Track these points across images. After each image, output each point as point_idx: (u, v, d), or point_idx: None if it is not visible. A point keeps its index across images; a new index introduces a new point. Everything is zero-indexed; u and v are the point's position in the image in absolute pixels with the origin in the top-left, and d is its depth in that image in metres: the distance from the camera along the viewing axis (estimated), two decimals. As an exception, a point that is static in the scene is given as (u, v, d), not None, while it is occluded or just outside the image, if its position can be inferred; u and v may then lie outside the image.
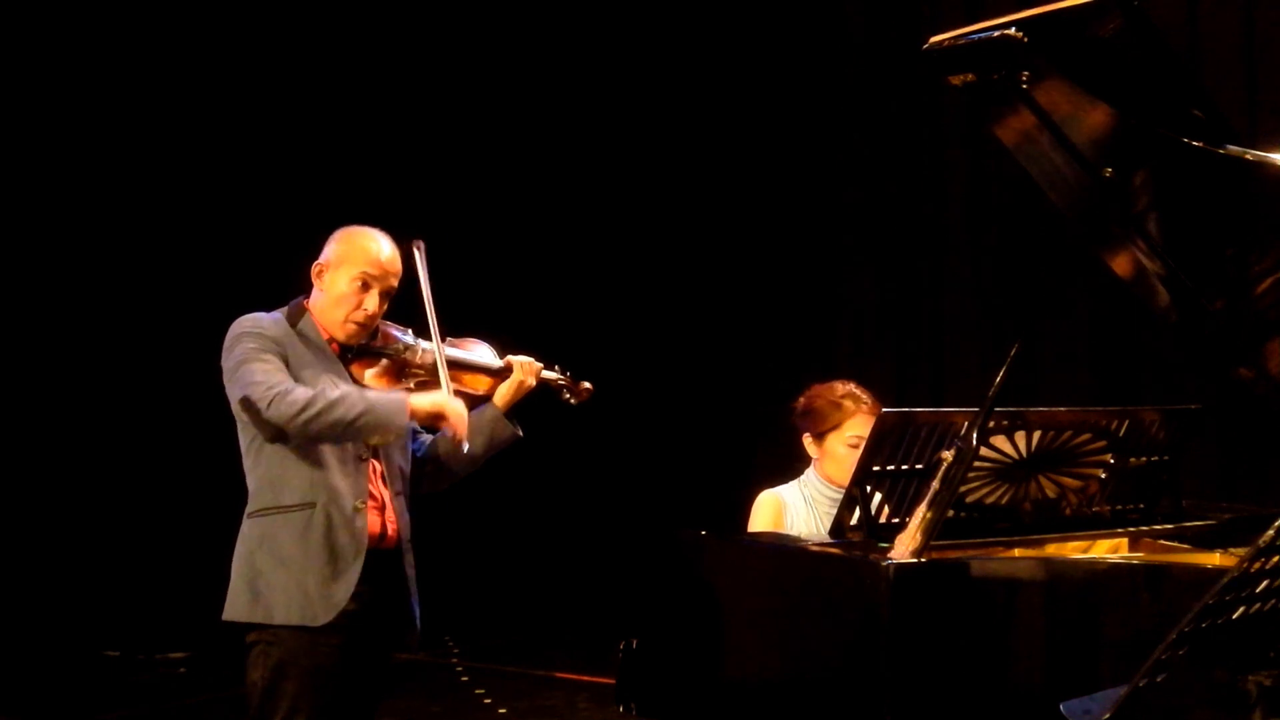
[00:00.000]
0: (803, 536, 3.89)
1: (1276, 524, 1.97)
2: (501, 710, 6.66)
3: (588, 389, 3.84)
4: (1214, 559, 3.24)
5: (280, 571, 3.41)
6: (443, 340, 3.61)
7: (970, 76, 2.83)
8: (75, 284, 7.97)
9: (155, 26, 8.02)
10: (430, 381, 3.57)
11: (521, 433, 3.72)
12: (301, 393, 3.36)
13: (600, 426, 8.75)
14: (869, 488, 3.18)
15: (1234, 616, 2.05)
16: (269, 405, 3.34)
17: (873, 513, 3.17)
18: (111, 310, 7.97)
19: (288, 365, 3.44)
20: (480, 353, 3.73)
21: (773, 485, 4.07)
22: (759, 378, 8.16)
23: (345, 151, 8.36)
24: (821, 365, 7.76)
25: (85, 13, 7.84)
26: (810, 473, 4.01)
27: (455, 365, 3.61)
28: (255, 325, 3.48)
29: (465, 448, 3.55)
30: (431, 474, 3.75)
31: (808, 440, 4.01)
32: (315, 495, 3.43)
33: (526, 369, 3.68)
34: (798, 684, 3.02)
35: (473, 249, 8.69)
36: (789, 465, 4.09)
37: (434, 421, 3.53)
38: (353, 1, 8.60)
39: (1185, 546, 3.38)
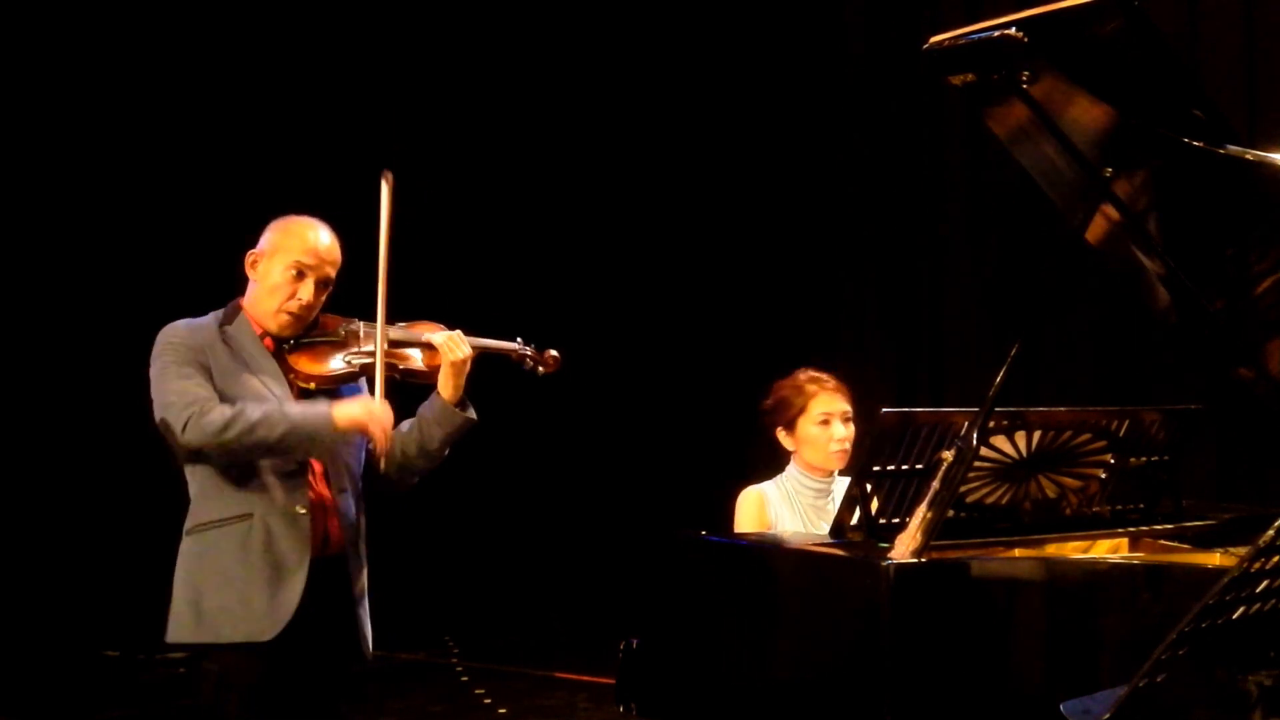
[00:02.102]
0: (788, 532, 3.91)
1: (1276, 524, 1.97)
2: (501, 710, 6.66)
3: (555, 357, 3.71)
4: (1214, 559, 3.24)
5: (223, 589, 3.29)
6: (393, 322, 3.48)
7: (970, 76, 2.83)
8: (91, 279, 7.96)
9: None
10: (373, 362, 3.42)
11: (475, 416, 3.54)
12: (219, 414, 3.24)
13: (599, 426, 8.80)
14: (869, 488, 3.18)
15: (1234, 616, 2.05)
16: (184, 428, 3.23)
17: (873, 513, 3.17)
18: (109, 306, 7.95)
19: (211, 375, 3.32)
20: (428, 330, 3.55)
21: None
22: (759, 378, 8.15)
23: (310, 139, 8.29)
24: (822, 366, 7.75)
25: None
26: (790, 468, 4.02)
27: (399, 343, 3.49)
28: (174, 335, 3.36)
29: (381, 465, 3.43)
30: (389, 474, 3.54)
31: (781, 434, 4.03)
32: (251, 505, 3.31)
33: (450, 346, 3.46)
34: (798, 684, 3.02)
35: (475, 243, 8.73)
36: (784, 464, 4.09)
37: (360, 432, 3.38)
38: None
39: (1185, 546, 3.37)
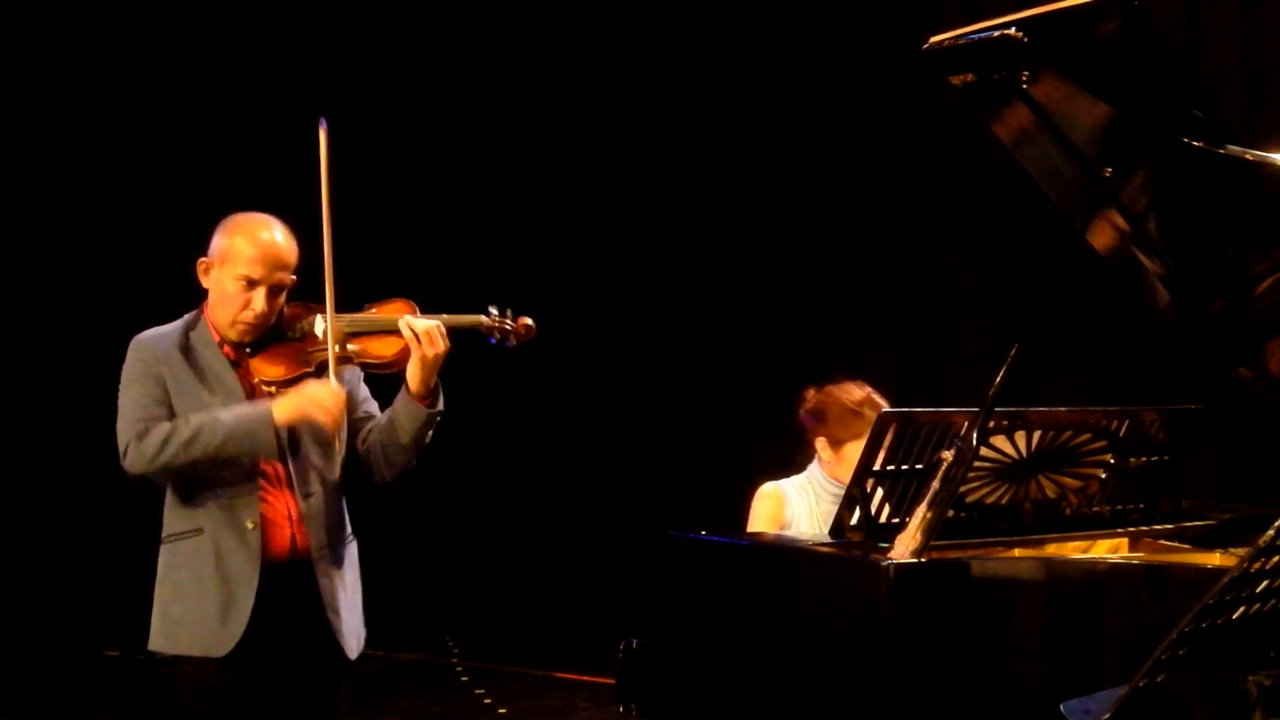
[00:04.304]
0: (804, 532, 3.90)
1: (1276, 524, 1.97)
2: (501, 710, 6.65)
3: (528, 325, 3.46)
4: (1214, 559, 3.24)
5: (182, 601, 3.28)
6: (360, 307, 3.36)
7: (970, 76, 2.83)
8: (87, 280, 7.95)
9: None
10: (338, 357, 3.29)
11: (441, 408, 3.37)
12: (156, 434, 3.19)
13: (600, 425, 8.80)
14: (869, 488, 3.18)
15: (1234, 616, 2.05)
16: (125, 454, 3.21)
17: (873, 513, 3.17)
18: (110, 304, 7.96)
19: (167, 387, 3.27)
20: (396, 314, 3.35)
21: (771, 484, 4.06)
22: (760, 379, 8.16)
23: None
24: (822, 365, 7.75)
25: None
26: (815, 469, 3.99)
27: (361, 332, 3.33)
28: (137, 348, 3.32)
29: (337, 447, 3.33)
30: (374, 465, 3.44)
31: (821, 444, 3.96)
32: (200, 521, 3.26)
33: (426, 338, 3.28)
34: (798, 684, 3.02)
35: (478, 242, 8.73)
36: (787, 465, 4.08)
37: (307, 422, 3.27)
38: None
39: (1185, 546, 3.38)
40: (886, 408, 3.92)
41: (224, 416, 3.22)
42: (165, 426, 3.21)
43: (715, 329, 8.48)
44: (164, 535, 3.35)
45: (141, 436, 3.20)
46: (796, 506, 3.94)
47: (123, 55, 8.01)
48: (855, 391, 3.97)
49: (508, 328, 3.45)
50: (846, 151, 7.92)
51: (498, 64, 8.94)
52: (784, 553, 3.35)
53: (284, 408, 3.24)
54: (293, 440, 3.33)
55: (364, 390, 3.52)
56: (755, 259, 8.31)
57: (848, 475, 3.88)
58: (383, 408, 3.49)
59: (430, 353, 3.30)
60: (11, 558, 7.52)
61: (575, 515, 8.79)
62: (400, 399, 3.38)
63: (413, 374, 3.33)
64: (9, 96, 7.79)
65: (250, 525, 3.26)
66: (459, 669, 7.61)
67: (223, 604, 3.24)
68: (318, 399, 3.25)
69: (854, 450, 3.89)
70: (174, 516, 3.32)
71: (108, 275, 7.91)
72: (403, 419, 3.38)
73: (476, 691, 7.03)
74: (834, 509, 3.90)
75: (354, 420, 3.45)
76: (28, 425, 7.76)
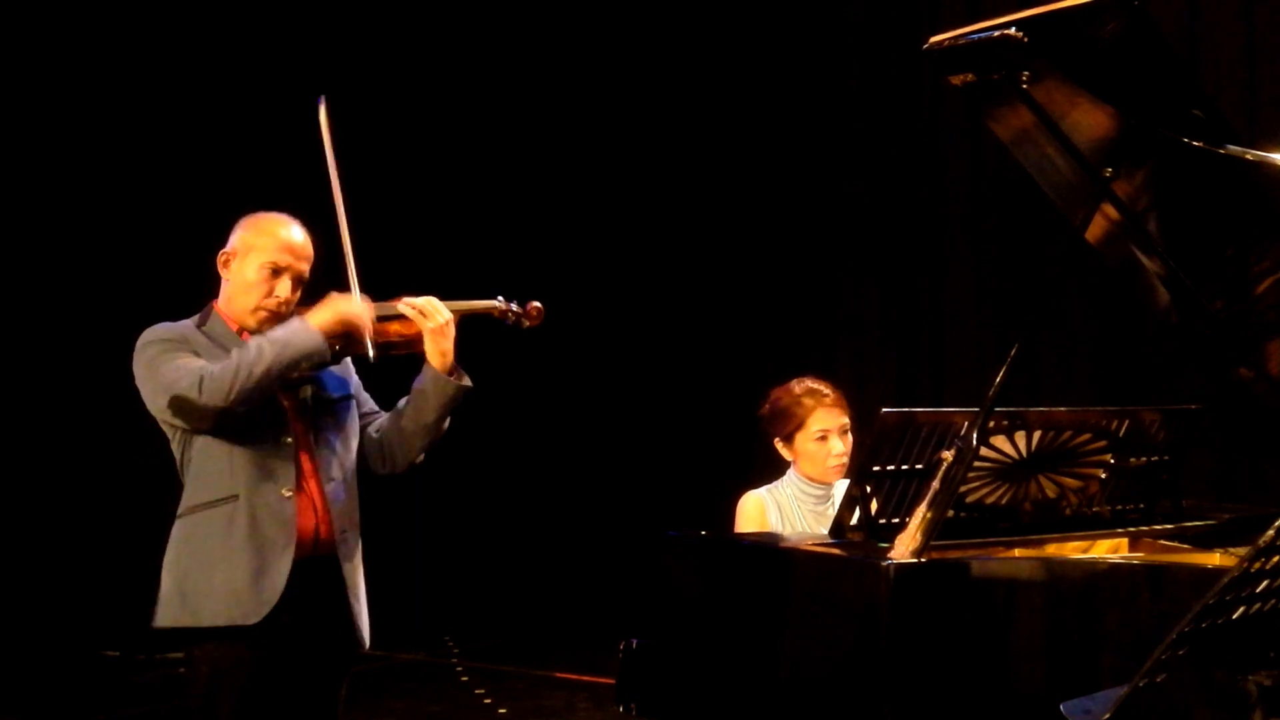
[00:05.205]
0: (788, 532, 3.91)
1: (1276, 524, 1.97)
2: (501, 710, 6.66)
3: (537, 308, 3.64)
4: (1214, 559, 3.24)
5: (207, 570, 3.25)
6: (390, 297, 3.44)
7: (970, 76, 2.83)
8: (78, 281, 7.94)
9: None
10: (349, 340, 3.35)
11: (469, 382, 3.47)
12: (222, 369, 3.21)
13: (600, 426, 8.80)
14: (869, 488, 3.18)
15: (1234, 616, 2.05)
16: (201, 391, 3.19)
17: (873, 513, 3.17)
18: (103, 313, 7.96)
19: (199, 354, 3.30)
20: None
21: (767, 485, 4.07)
22: (759, 379, 8.14)
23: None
24: (822, 366, 7.74)
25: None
26: (790, 474, 4.02)
27: (381, 318, 3.41)
28: (155, 332, 3.35)
29: (371, 354, 3.35)
30: (389, 452, 3.52)
31: (779, 445, 4.02)
32: (237, 487, 3.27)
33: (427, 312, 3.41)
34: (797, 684, 3.02)
35: (480, 241, 8.73)
36: (785, 465, 4.09)
37: (345, 331, 3.31)
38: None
39: (1185, 546, 3.37)
40: (827, 392, 3.98)
41: (274, 333, 3.26)
42: (223, 362, 3.24)
43: (715, 330, 8.48)
44: (184, 508, 3.34)
45: (211, 374, 3.21)
46: (777, 512, 3.96)
47: (126, 57, 8.00)
48: (795, 386, 4.03)
49: (519, 311, 3.62)
50: (846, 151, 7.92)
51: (500, 61, 8.94)
52: (784, 553, 3.35)
53: (319, 317, 3.30)
54: (316, 428, 3.40)
55: (365, 395, 3.60)
56: (755, 259, 8.31)
57: (810, 468, 3.95)
58: (396, 397, 3.54)
59: (433, 322, 3.40)
60: (11, 557, 7.51)
61: (575, 515, 8.79)
62: (426, 376, 3.46)
63: (429, 348, 3.43)
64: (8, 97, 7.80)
65: (287, 493, 3.30)
66: (459, 669, 7.62)
67: (256, 570, 3.24)
68: (346, 306, 3.32)
69: (803, 440, 3.96)
70: (204, 487, 3.31)
71: (105, 276, 7.90)
72: (430, 395, 3.45)
73: (476, 691, 7.04)
74: (814, 510, 3.95)
75: (361, 415, 3.56)
76: (28, 425, 7.75)
